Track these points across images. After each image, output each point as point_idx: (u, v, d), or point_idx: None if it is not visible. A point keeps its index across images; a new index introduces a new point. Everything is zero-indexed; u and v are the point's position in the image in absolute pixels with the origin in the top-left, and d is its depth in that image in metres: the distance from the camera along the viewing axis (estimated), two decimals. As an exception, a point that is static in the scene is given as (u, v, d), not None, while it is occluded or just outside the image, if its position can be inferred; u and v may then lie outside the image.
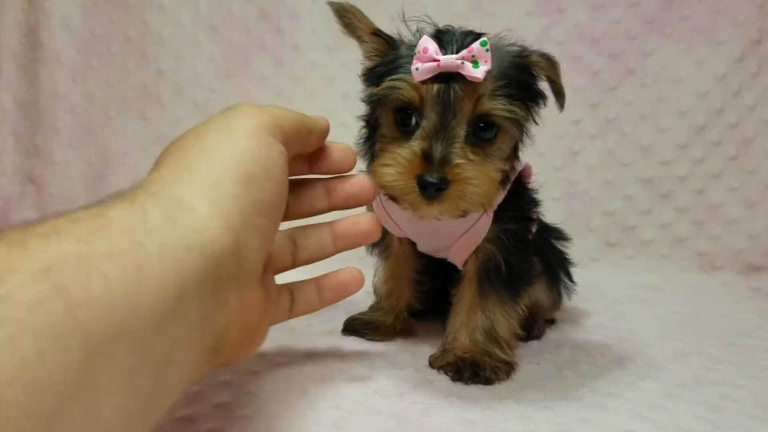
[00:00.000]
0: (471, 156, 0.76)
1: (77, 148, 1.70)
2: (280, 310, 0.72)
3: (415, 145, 0.76)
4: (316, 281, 0.76)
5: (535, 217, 0.97)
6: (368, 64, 0.85)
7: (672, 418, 0.73)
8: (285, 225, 0.72)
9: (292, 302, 0.74)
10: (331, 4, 0.85)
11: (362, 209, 0.83)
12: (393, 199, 0.80)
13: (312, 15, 1.68)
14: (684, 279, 1.50)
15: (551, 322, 1.13)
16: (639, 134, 1.59)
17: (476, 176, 0.75)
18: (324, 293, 0.76)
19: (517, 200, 0.92)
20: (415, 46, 0.76)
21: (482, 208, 0.79)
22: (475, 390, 0.80)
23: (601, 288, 1.40)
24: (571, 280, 1.14)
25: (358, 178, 0.75)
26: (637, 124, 1.59)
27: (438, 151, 0.74)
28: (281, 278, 0.74)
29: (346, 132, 1.56)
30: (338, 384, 0.78)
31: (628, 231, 1.59)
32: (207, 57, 1.71)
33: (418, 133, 0.77)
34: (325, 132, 0.69)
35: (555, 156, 1.62)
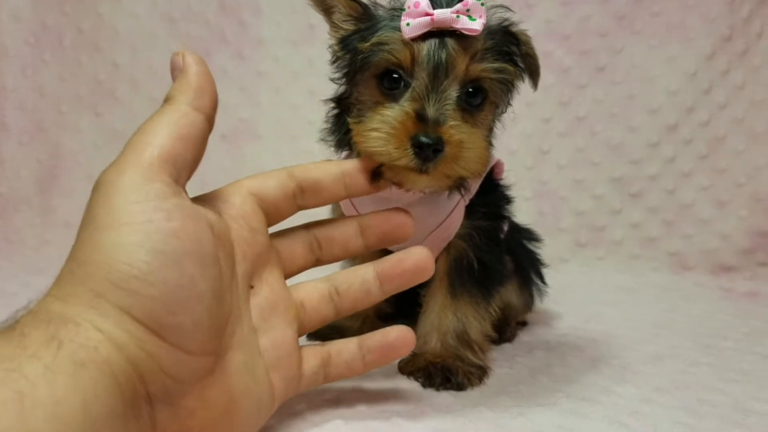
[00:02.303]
0: (462, 120, 0.72)
1: (27, 146, 1.63)
2: (306, 377, 0.64)
3: (407, 105, 0.71)
4: (360, 341, 0.67)
5: (507, 214, 0.94)
6: (342, 32, 0.79)
7: (650, 423, 0.70)
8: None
9: (327, 365, 0.66)
10: None
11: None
12: (377, 173, 0.73)
13: (276, 8, 1.63)
14: (655, 279, 1.49)
15: (523, 324, 1.11)
16: (609, 133, 1.57)
17: (470, 139, 0.71)
18: (369, 355, 0.67)
19: (490, 196, 0.89)
20: (397, 7, 0.73)
21: (476, 174, 0.75)
22: (446, 397, 0.76)
23: (571, 289, 1.37)
24: (543, 282, 1.11)
25: (393, 215, 0.71)
26: (607, 122, 1.58)
27: (432, 111, 0.69)
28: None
29: (312, 130, 1.52)
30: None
31: (598, 231, 1.57)
32: (164, 51, 1.64)
33: (408, 94, 0.72)
34: (205, 74, 0.56)
35: (525, 155, 1.59)
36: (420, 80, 0.72)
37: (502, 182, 0.94)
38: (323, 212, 0.96)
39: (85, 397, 0.38)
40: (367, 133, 0.71)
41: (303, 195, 0.65)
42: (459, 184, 0.79)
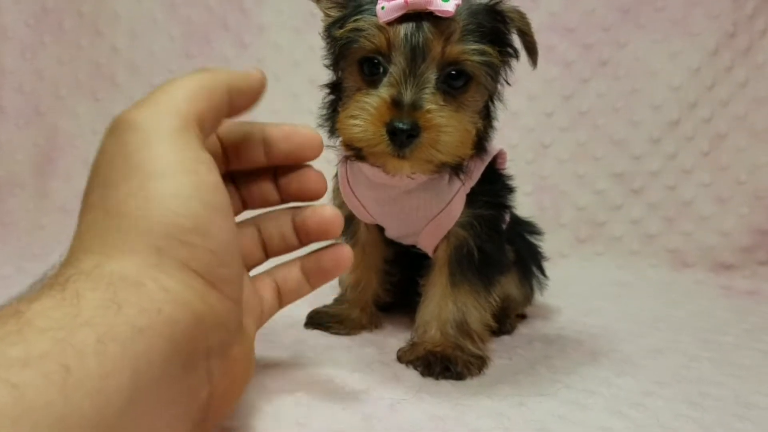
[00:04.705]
0: (442, 103, 0.71)
1: (24, 129, 1.60)
2: (266, 310, 0.63)
3: (383, 91, 0.71)
4: (302, 265, 0.65)
5: (508, 204, 0.93)
6: (329, 19, 0.80)
7: (652, 415, 0.69)
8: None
9: (279, 294, 0.64)
10: None
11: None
12: (360, 157, 0.74)
13: (278, -5, 1.61)
14: (654, 276, 1.48)
15: (522, 317, 1.10)
16: (611, 128, 1.56)
17: (449, 123, 0.71)
18: (312, 278, 0.65)
19: (492, 185, 0.89)
20: None
21: (457, 159, 0.74)
22: (445, 385, 0.76)
23: (571, 284, 1.37)
24: (544, 275, 1.10)
25: (308, 173, 0.64)
26: (610, 117, 1.56)
27: (408, 96, 0.70)
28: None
29: (312, 118, 1.51)
30: (300, 380, 0.73)
31: (599, 226, 1.56)
32: (165, 36, 1.63)
33: (385, 79, 0.72)
34: (257, 84, 0.55)
35: (526, 149, 1.58)
36: (397, 65, 0.72)
37: (504, 172, 0.94)
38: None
39: (136, 365, 0.37)
40: (346, 120, 0.72)
41: (226, 157, 0.61)
42: (455, 169, 0.79)
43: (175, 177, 0.44)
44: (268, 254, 0.65)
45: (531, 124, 1.58)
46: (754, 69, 1.51)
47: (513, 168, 0.95)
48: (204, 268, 0.44)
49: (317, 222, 0.62)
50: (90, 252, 0.42)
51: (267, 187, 0.64)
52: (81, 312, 0.36)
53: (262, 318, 0.62)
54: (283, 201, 0.64)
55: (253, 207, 0.65)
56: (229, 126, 0.60)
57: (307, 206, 0.64)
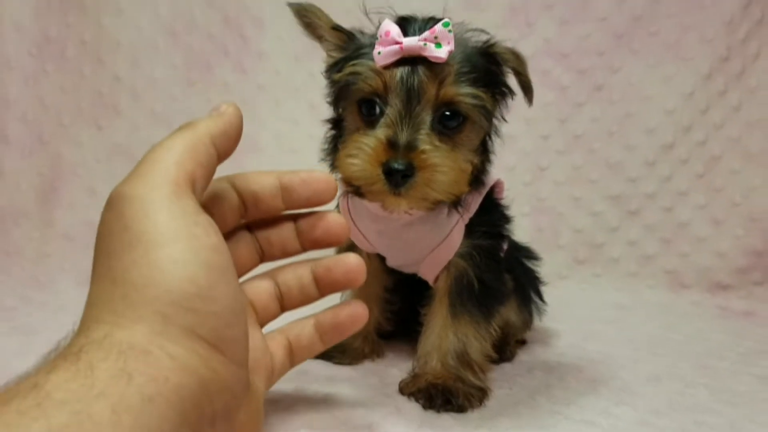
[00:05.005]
0: (438, 143, 0.74)
1: (28, 158, 1.62)
2: (276, 369, 0.63)
3: (380, 132, 0.74)
4: (316, 322, 0.66)
5: (506, 233, 0.95)
6: (330, 60, 0.84)
7: (649, 447, 0.70)
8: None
9: (291, 352, 0.65)
10: (290, 5, 0.84)
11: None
12: (359, 194, 0.77)
13: (277, 22, 1.63)
14: (652, 297, 1.49)
15: (522, 342, 1.11)
16: (607, 151, 1.58)
17: (444, 163, 0.73)
18: (326, 335, 0.66)
19: (489, 216, 0.91)
20: (377, 34, 0.75)
21: (451, 197, 0.77)
22: (447, 419, 0.77)
23: (569, 306, 1.38)
24: (542, 300, 1.12)
25: (329, 219, 0.65)
26: (605, 140, 1.59)
27: (403, 137, 0.72)
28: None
29: (312, 144, 1.52)
30: (302, 412, 0.74)
31: (596, 248, 1.57)
32: (167, 63, 1.65)
33: (382, 120, 0.75)
34: (234, 122, 0.55)
35: (524, 171, 1.60)
36: (393, 106, 0.75)
37: (502, 202, 0.96)
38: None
39: None
40: (345, 159, 0.75)
41: (245, 208, 0.62)
42: (454, 203, 0.81)
43: (175, 244, 0.45)
44: (284, 307, 0.66)
45: (528, 147, 1.60)
46: (748, 93, 1.53)
47: (511, 190, 0.97)
48: (209, 332, 0.45)
49: (344, 272, 0.64)
50: (100, 321, 0.43)
51: (287, 235, 0.64)
52: (95, 383, 0.38)
53: (273, 377, 0.63)
54: (304, 248, 0.65)
55: (272, 257, 0.66)
56: (246, 176, 0.62)
57: (329, 256, 0.65)
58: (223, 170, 1.66)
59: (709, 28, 1.53)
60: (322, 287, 0.64)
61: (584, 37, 1.59)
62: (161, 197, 0.46)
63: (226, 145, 0.54)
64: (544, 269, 1.14)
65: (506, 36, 1.57)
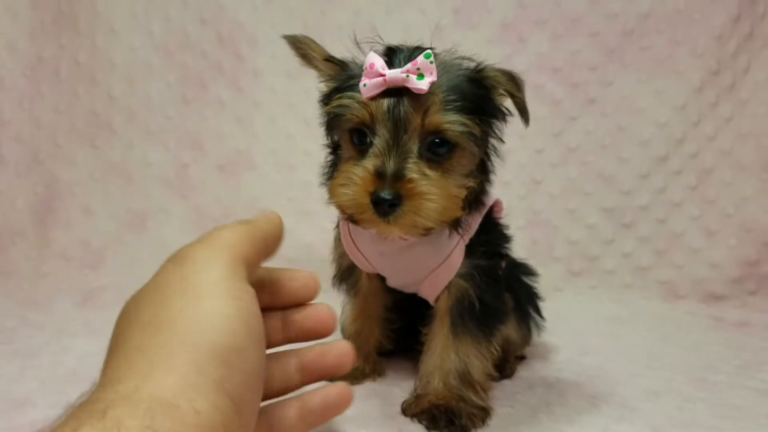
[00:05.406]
0: (427, 171, 0.75)
1: (23, 177, 1.62)
2: None
3: (368, 162, 0.75)
4: (301, 404, 0.63)
5: (506, 252, 0.96)
6: (323, 89, 0.85)
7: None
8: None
9: None
10: (285, 37, 0.86)
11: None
12: (353, 221, 0.78)
13: (272, 40, 1.64)
14: (647, 309, 1.50)
15: (522, 358, 1.11)
16: (601, 163, 1.60)
17: (432, 191, 0.74)
18: (311, 417, 0.63)
19: (489, 235, 0.91)
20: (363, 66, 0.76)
21: (442, 224, 0.78)
22: (451, 440, 0.77)
23: (566, 319, 1.38)
24: (541, 316, 1.12)
25: (317, 310, 0.63)
26: (599, 153, 1.60)
27: (390, 167, 0.74)
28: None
29: (308, 160, 1.53)
30: None
31: (592, 260, 1.59)
32: (161, 82, 1.65)
33: (371, 150, 0.76)
34: (280, 230, 0.59)
35: (519, 185, 1.61)
36: (381, 136, 0.76)
37: (500, 221, 0.97)
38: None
39: None
40: (336, 188, 0.77)
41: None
42: (453, 224, 0.82)
43: (222, 299, 0.47)
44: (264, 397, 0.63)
45: (523, 160, 1.62)
46: (739, 105, 1.56)
47: (506, 204, 0.97)
48: (235, 389, 0.45)
49: (336, 356, 0.62)
50: (132, 371, 0.43)
51: (274, 325, 0.63)
52: None
53: None
54: (288, 340, 0.63)
55: None
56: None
57: (315, 345, 0.63)
58: (223, 187, 1.65)
59: (700, 43, 1.55)
60: (309, 374, 0.63)
61: (576, 51, 1.61)
62: (219, 260, 0.50)
63: (271, 246, 0.58)
64: (539, 282, 1.15)
65: (499, 52, 1.60)
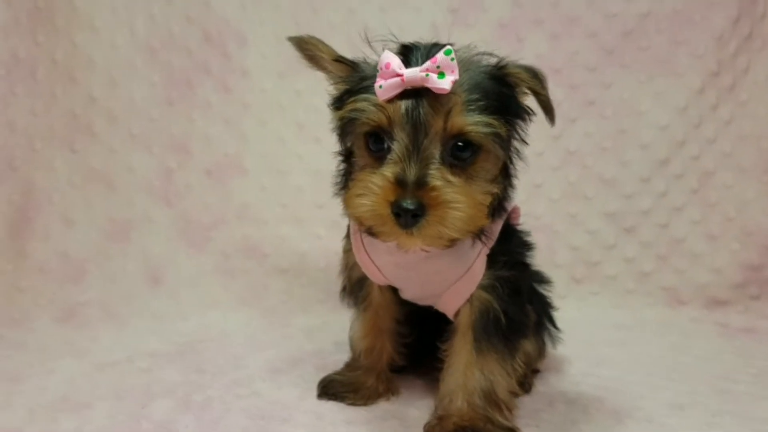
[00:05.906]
0: (450, 178, 0.70)
1: (-3, 184, 1.52)
2: None
3: (387, 170, 0.70)
4: None
5: (528, 261, 0.91)
6: (334, 92, 0.81)
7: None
8: None
9: None
10: (291, 38, 0.81)
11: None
12: (372, 233, 0.73)
13: (261, 39, 1.57)
14: (651, 315, 1.48)
15: (536, 371, 1.07)
16: (601, 167, 1.57)
17: (457, 199, 0.69)
18: None
19: (509, 244, 0.88)
20: (378, 65, 0.71)
21: (468, 234, 0.73)
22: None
23: (571, 327, 1.32)
24: (555, 327, 1.08)
25: None
26: (599, 156, 1.57)
27: (411, 174, 0.69)
28: None
29: (300, 164, 1.47)
30: None
31: (593, 266, 1.55)
32: (145, 82, 1.57)
33: (389, 156, 0.71)
34: None
35: (519, 189, 1.56)
36: (400, 141, 0.71)
37: (519, 227, 0.93)
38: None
39: None
40: (353, 199, 0.71)
41: None
42: (478, 233, 0.77)
43: None
44: None
45: (522, 164, 1.57)
46: (739, 107, 1.54)
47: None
48: None
49: None
50: None
51: None
52: None
53: None
54: None
55: None
56: None
57: None
58: (211, 194, 1.57)
59: (700, 44, 1.53)
60: None
61: (575, 53, 1.57)
62: None
63: None
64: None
65: (497, 52, 1.55)
